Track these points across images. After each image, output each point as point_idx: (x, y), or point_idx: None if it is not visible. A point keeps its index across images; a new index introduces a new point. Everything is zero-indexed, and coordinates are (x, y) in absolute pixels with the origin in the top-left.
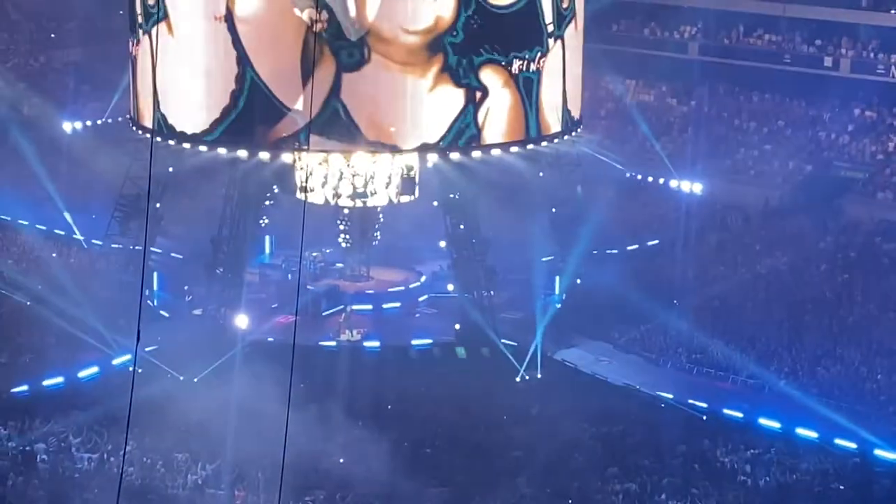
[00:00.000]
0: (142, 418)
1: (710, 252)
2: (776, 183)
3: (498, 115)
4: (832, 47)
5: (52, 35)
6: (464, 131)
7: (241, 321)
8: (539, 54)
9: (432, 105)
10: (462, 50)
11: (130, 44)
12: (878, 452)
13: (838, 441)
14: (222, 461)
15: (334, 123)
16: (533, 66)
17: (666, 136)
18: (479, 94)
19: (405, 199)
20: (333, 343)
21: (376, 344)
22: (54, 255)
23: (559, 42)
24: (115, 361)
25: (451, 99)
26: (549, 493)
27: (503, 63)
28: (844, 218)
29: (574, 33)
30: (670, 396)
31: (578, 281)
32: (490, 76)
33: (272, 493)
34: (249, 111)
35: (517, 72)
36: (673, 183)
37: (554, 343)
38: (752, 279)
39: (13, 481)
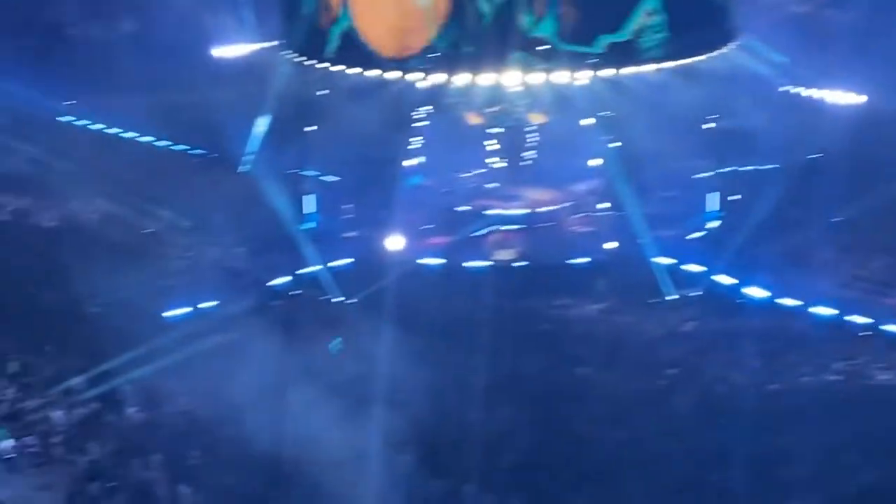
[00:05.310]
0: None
1: (870, 166)
2: None
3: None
4: None
5: None
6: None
7: (394, 243)
8: None
9: None
10: None
11: None
12: None
13: None
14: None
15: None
16: None
17: (824, 47)
18: None
19: (557, 117)
20: (485, 263)
21: (527, 264)
22: (208, 180)
23: None
24: (270, 283)
25: None
26: (705, 411)
27: None
28: None
29: None
30: (830, 313)
31: (734, 198)
32: None
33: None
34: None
35: None
36: (833, 96)
37: (709, 261)
38: None
39: None
